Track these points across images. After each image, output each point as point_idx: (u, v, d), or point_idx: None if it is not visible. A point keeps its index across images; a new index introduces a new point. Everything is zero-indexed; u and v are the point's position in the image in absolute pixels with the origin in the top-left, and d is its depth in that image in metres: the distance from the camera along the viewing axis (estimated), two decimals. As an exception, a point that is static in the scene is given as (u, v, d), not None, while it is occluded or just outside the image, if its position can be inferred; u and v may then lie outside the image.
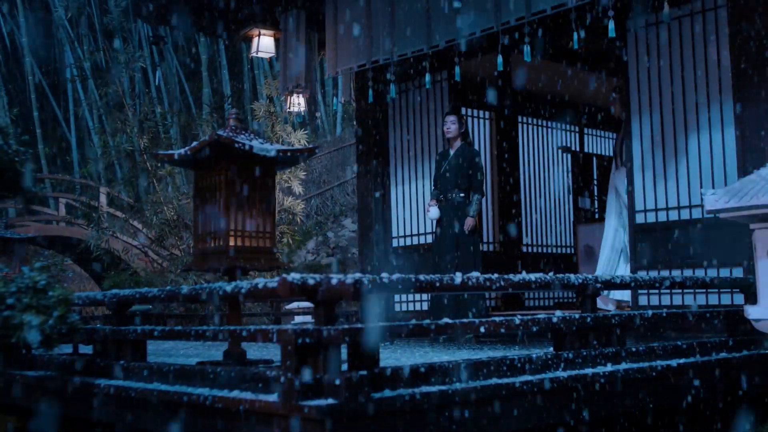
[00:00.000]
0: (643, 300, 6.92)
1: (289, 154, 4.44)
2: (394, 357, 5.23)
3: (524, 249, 9.71)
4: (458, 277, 3.53)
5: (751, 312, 3.80)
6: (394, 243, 9.22)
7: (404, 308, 9.05)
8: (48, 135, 27.95)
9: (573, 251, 9.95)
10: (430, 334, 3.46)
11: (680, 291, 6.64)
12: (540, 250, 10.00)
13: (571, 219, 10.33)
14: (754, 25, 6.25)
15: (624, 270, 7.44)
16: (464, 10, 6.68)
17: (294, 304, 10.37)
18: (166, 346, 7.55)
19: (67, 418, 5.34)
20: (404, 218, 9.16)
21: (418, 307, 8.87)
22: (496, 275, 3.75)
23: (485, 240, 9.09)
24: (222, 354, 4.65)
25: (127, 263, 14.97)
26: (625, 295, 7.27)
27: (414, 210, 9.05)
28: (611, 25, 5.92)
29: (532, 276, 3.93)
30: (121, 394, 4.25)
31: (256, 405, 3.37)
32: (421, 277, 3.48)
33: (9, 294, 3.84)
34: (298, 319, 10.00)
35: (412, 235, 9.07)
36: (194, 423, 3.83)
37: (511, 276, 3.81)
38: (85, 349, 5.28)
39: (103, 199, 17.42)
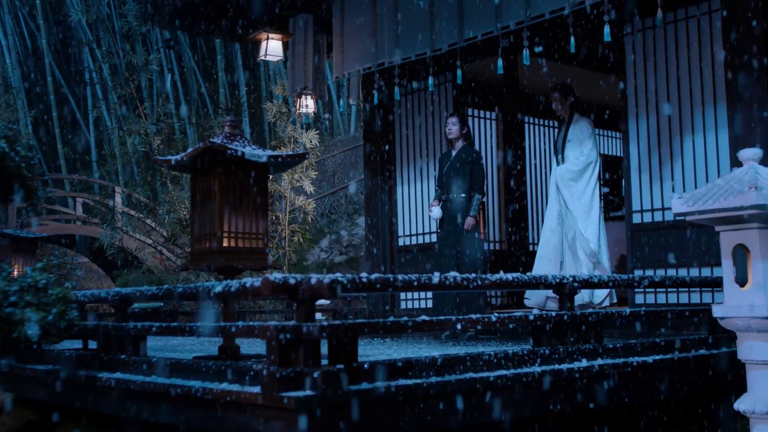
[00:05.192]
0: (639, 299, 7.06)
1: (280, 159, 4.63)
2: (387, 353, 5.39)
3: (531, 248, 9.82)
4: (435, 277, 3.70)
5: (717, 310, 3.93)
6: (400, 242, 9.38)
7: (409, 305, 9.21)
8: (67, 135, 28.33)
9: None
10: (408, 331, 3.63)
11: (675, 290, 6.75)
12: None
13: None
14: (747, 30, 6.35)
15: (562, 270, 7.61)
16: (466, 15, 6.84)
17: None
18: (174, 342, 7.76)
19: (76, 409, 5.58)
20: (410, 217, 9.30)
21: (423, 305, 9.02)
22: (473, 275, 3.91)
23: (492, 239, 9.22)
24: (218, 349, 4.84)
25: (142, 261, 15.24)
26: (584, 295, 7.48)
27: (419, 209, 9.18)
28: (606, 29, 6.05)
29: (509, 275, 4.09)
30: (122, 386, 4.47)
31: (241, 396, 3.56)
32: (399, 276, 3.65)
33: (12, 292, 4.10)
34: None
35: (417, 234, 9.21)
36: (187, 413, 4.03)
37: (488, 276, 3.98)
38: (94, 345, 5.50)
39: (118, 198, 17.70)
